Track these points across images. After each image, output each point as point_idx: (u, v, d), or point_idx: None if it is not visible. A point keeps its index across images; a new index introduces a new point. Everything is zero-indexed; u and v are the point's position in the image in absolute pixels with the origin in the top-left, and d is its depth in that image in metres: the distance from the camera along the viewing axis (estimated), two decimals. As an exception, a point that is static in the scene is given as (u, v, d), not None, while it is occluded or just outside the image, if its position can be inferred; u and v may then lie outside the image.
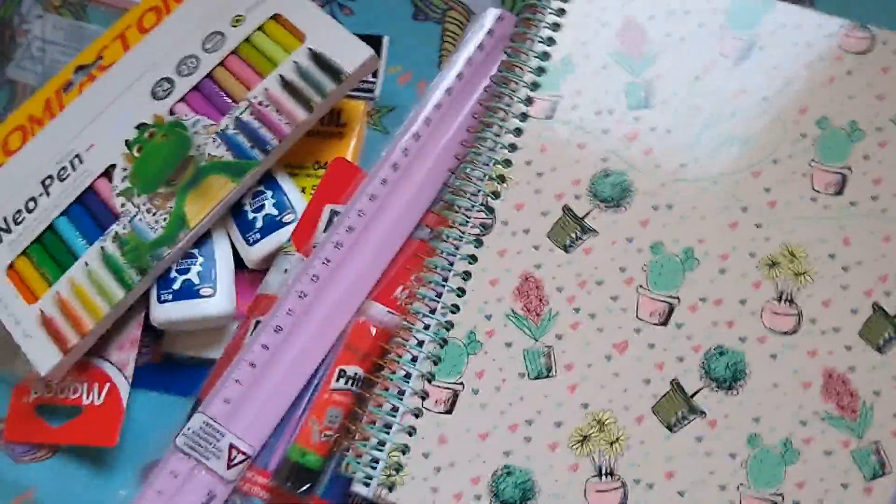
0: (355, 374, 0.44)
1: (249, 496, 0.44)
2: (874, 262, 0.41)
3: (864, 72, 0.44)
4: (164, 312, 0.46)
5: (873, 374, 0.40)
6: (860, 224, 0.42)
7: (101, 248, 0.46)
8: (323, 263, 0.46)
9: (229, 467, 0.43)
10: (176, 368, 0.48)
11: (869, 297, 0.41)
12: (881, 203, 0.42)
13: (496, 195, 0.43)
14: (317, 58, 0.47)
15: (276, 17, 0.49)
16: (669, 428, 0.40)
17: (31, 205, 0.48)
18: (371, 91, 0.51)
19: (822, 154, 0.43)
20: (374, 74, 0.52)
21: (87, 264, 0.46)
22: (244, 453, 0.43)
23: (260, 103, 0.47)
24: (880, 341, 0.40)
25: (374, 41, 0.51)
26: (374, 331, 0.45)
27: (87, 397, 0.46)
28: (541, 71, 0.45)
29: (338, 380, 0.44)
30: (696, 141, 0.43)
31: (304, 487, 0.43)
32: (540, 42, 0.45)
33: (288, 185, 0.48)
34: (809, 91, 0.44)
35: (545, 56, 0.45)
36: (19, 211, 0.48)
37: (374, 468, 0.41)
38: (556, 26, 0.46)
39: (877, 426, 0.39)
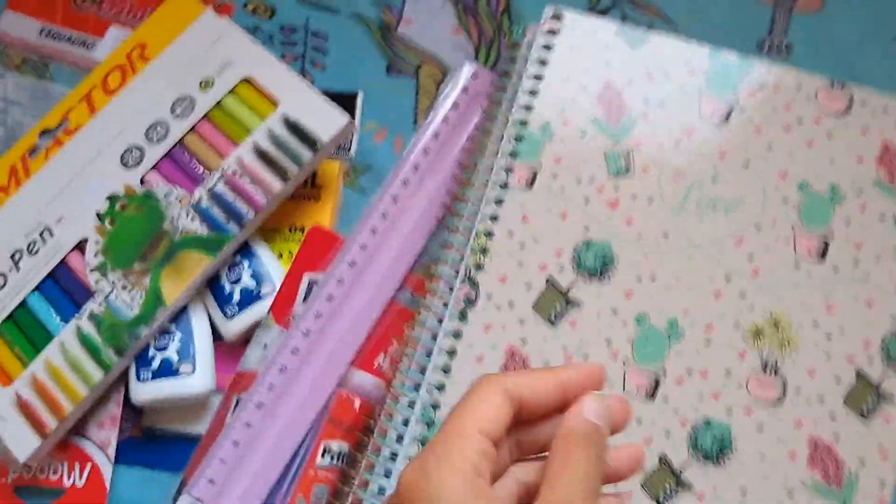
0: (340, 450, 0.44)
1: (238, 577, 0.44)
2: (857, 329, 0.42)
3: (843, 134, 0.44)
4: (145, 392, 0.45)
5: (858, 443, 0.40)
6: (843, 290, 0.42)
7: (77, 327, 0.45)
8: (303, 335, 0.45)
9: (217, 549, 0.43)
10: (159, 443, 0.47)
11: (851, 364, 0.41)
12: (863, 268, 0.42)
13: (479, 267, 0.43)
14: (292, 126, 0.46)
15: (247, 81, 0.48)
16: (658, 503, 0.40)
17: (1, 281, 0.47)
18: (347, 150, 0.50)
19: (804, 219, 0.43)
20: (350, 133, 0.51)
21: (63, 344, 0.45)
22: (232, 535, 0.43)
23: (234, 173, 0.46)
24: (864, 408, 0.41)
25: (348, 97, 0.51)
26: (357, 403, 0.45)
27: (69, 478, 0.46)
28: (519, 138, 0.44)
29: (323, 456, 0.44)
30: (679, 208, 0.43)
31: (294, 566, 0.43)
32: (518, 108, 0.45)
33: (265, 254, 0.47)
34: (790, 154, 0.44)
35: (523, 123, 0.45)
36: (-12, 287, 0.47)
37: (365, 549, 0.40)
38: (533, 92, 0.45)
39: (862, 494, 0.40)
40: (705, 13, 0.51)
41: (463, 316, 0.43)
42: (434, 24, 0.52)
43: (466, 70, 0.49)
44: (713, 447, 0.41)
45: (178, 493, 0.44)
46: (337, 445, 0.44)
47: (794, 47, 0.50)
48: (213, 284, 0.47)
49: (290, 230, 0.49)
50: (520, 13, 0.52)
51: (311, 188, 0.49)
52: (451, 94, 0.49)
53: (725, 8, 0.51)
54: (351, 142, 0.51)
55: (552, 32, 0.46)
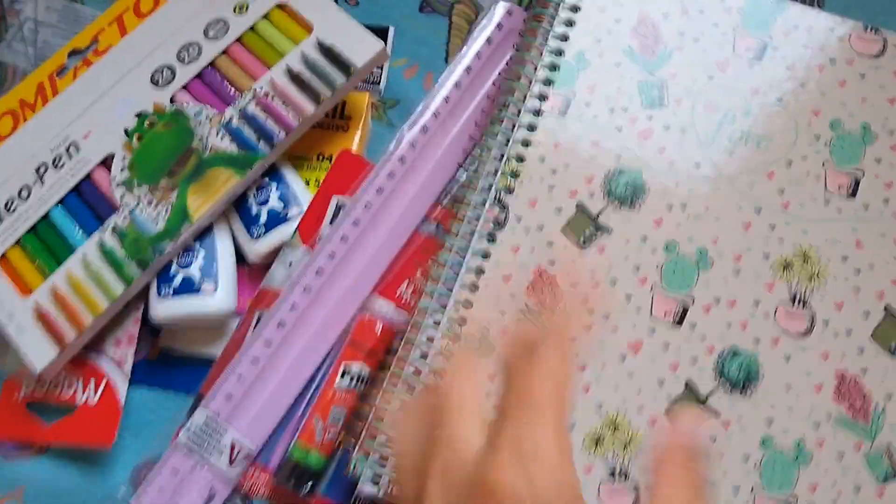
0: (360, 371, 0.45)
1: (250, 495, 0.44)
2: (886, 266, 0.43)
3: (876, 75, 0.45)
4: (165, 309, 0.45)
5: (885, 377, 0.41)
6: (872, 227, 0.43)
7: (100, 240, 0.46)
8: (328, 257, 0.46)
9: (231, 464, 0.43)
10: (174, 365, 0.48)
11: (881, 300, 0.42)
12: (893, 206, 0.43)
13: (509, 190, 0.44)
14: (326, 50, 0.47)
15: (281, 6, 0.49)
16: (683, 429, 0.41)
17: (25, 193, 0.48)
18: (377, 83, 0.51)
19: (835, 156, 0.44)
20: (380, 67, 0.52)
21: (85, 257, 0.46)
22: (246, 451, 0.44)
23: (266, 95, 0.47)
24: (892, 344, 0.42)
25: (379, 32, 0.52)
26: (379, 327, 0.46)
27: (83, 395, 0.46)
28: (554, 67, 0.46)
29: (342, 377, 0.45)
30: (711, 140, 0.44)
31: (307, 487, 0.43)
32: (553, 38, 0.46)
33: (293, 178, 0.48)
34: (822, 93, 0.45)
35: (558, 52, 0.46)
36: (11, 199, 0.48)
37: (384, 466, 0.41)
38: (569, 23, 0.46)
39: (888, 429, 0.40)
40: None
41: (491, 237, 0.43)
42: (468, -35, 0.53)
43: (501, 7, 0.50)
44: (740, 376, 0.41)
45: (194, 408, 0.45)
46: (357, 367, 0.45)
47: (826, 0, 0.52)
48: (239, 205, 0.48)
49: (318, 158, 0.50)
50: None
51: (339, 119, 0.50)
52: (485, 29, 0.50)
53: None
54: (381, 75, 0.52)
55: (590, -34, 0.47)
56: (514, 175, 0.44)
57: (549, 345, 0.27)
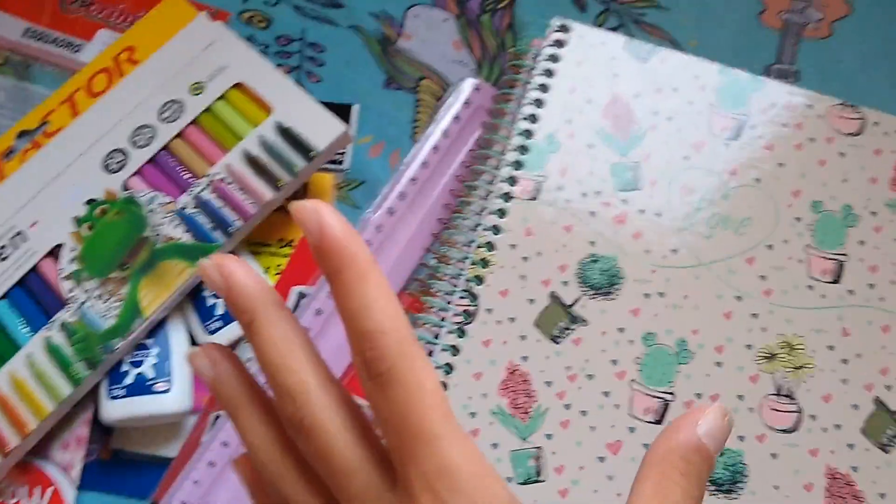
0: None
1: None
2: (874, 355, 0.41)
3: (856, 154, 0.44)
4: (116, 410, 0.43)
5: (878, 475, 0.39)
6: (859, 314, 0.42)
7: (47, 337, 0.43)
8: (290, 352, 0.44)
9: (187, 581, 0.41)
10: (127, 467, 0.45)
11: (870, 391, 0.40)
12: (878, 291, 0.42)
13: (480, 280, 0.42)
14: (285, 132, 0.46)
15: (239, 86, 0.47)
16: (667, 535, 0.38)
17: (-33, 287, 0.45)
18: (341, 163, 0.50)
19: (817, 240, 0.43)
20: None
21: (30, 356, 0.43)
22: (204, 565, 0.41)
23: (222, 180, 0.45)
24: (883, 439, 0.40)
25: (343, 109, 0.50)
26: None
27: (28, 503, 0.43)
28: (524, 149, 0.44)
29: (307, 481, 0.42)
30: (688, 224, 0.43)
31: None
32: (523, 118, 0.45)
33: (252, 265, 0.46)
34: (802, 174, 0.44)
35: (528, 133, 0.44)
36: (-47, 294, 0.45)
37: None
38: (539, 102, 0.45)
39: (882, 530, 0.39)
40: (713, 37, 0.51)
41: (461, 331, 0.41)
42: (435, 39, 0.52)
43: (469, 83, 0.49)
44: (725, 475, 0.39)
45: (147, 519, 0.42)
46: (321, 470, 0.42)
47: (802, 73, 0.51)
48: (195, 298, 0.45)
49: (280, 244, 0.48)
50: (524, 29, 0.52)
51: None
52: (453, 106, 0.49)
53: (733, 33, 0.52)
54: (345, 155, 0.50)
55: (559, 44, 0.46)
56: (485, 264, 0.42)
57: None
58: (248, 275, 0.26)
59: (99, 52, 0.51)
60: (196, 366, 0.28)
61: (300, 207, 0.25)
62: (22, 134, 0.49)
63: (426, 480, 0.24)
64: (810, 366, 0.41)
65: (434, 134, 0.48)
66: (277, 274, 0.46)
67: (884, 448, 0.40)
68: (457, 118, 0.49)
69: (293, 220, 0.26)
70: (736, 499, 0.39)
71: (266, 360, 0.26)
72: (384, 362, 0.24)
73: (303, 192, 0.48)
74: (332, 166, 0.50)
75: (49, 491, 0.44)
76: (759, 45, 0.51)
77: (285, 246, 0.48)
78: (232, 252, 0.46)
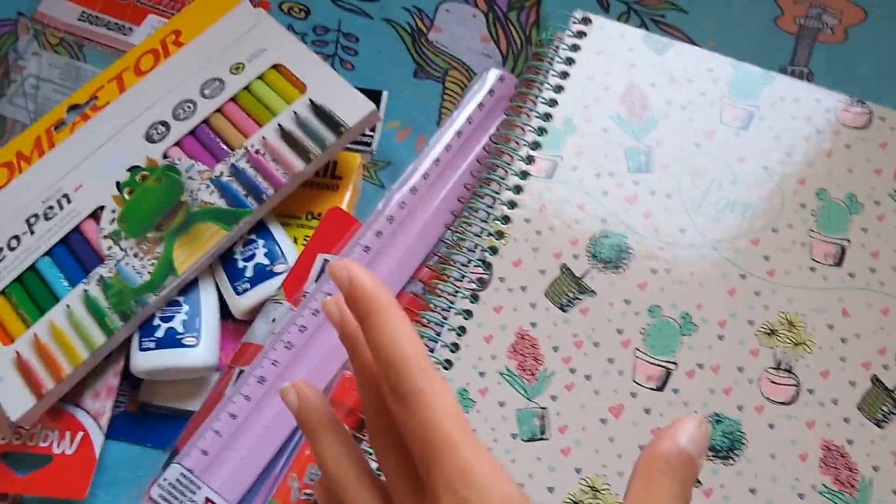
0: (341, 431, 0.45)
1: (223, 556, 0.44)
2: (872, 335, 0.43)
3: (862, 146, 0.46)
4: (146, 361, 0.46)
5: (872, 449, 0.41)
6: (859, 296, 0.44)
7: (84, 290, 0.47)
8: (313, 314, 0.47)
9: (204, 524, 0.43)
10: (152, 419, 0.48)
11: (867, 369, 0.42)
12: (879, 276, 0.44)
13: (494, 251, 0.45)
14: (317, 109, 0.49)
15: (276, 67, 0.51)
16: (664, 497, 0.40)
17: (14, 243, 0.49)
18: (369, 144, 0.53)
19: (821, 225, 0.45)
20: (373, 128, 0.53)
21: (68, 307, 0.46)
22: (220, 510, 0.43)
23: (257, 152, 0.49)
24: (879, 415, 0.42)
25: (373, 95, 0.54)
26: (361, 387, 0.46)
27: (58, 446, 0.46)
28: (542, 131, 0.47)
29: (322, 436, 0.45)
30: (697, 206, 0.45)
31: (281, 549, 0.43)
32: (543, 102, 0.48)
33: (280, 235, 0.49)
34: (808, 163, 0.46)
35: (547, 117, 0.47)
36: (0, 249, 0.49)
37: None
38: (559, 88, 0.48)
39: (876, 503, 0.40)
40: (730, 38, 0.54)
41: (475, 297, 0.44)
42: (464, 33, 0.55)
43: (494, 73, 0.52)
44: (723, 442, 0.41)
45: (168, 463, 0.45)
46: (336, 426, 0.45)
47: (815, 75, 0.53)
48: (226, 260, 0.49)
49: (308, 217, 0.51)
50: (549, 23, 0.55)
51: (330, 178, 0.52)
52: (477, 94, 0.52)
53: (750, 34, 0.54)
54: (373, 136, 0.53)
55: (580, 34, 0.49)
56: (500, 236, 0.45)
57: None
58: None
59: (147, 35, 0.55)
60: (286, 401, 0.34)
61: (334, 266, 0.31)
62: (72, 108, 0.53)
63: (447, 483, 0.28)
64: (810, 343, 0.43)
65: (458, 119, 0.51)
66: (304, 243, 0.49)
67: (879, 423, 0.41)
68: (480, 105, 0.52)
69: (329, 273, 0.31)
70: (732, 465, 0.41)
71: (376, 346, 0.30)
72: (408, 384, 0.29)
73: (332, 169, 0.52)
74: (361, 147, 0.53)
75: (79, 436, 0.46)
76: (774, 47, 0.54)
77: (313, 219, 0.51)
78: (262, 221, 0.49)
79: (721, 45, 0.54)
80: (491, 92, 0.52)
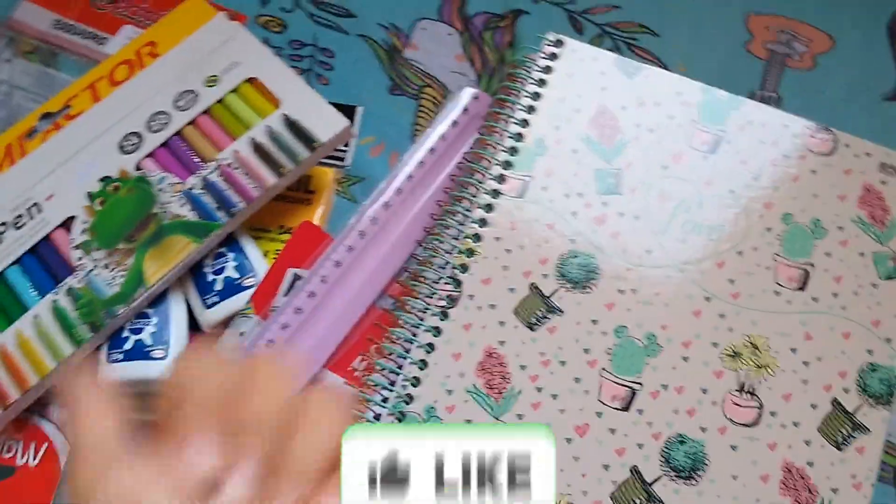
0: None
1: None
2: (834, 359, 0.44)
3: (827, 172, 0.47)
4: (113, 372, 0.46)
5: (832, 471, 0.42)
6: (821, 320, 0.44)
7: (54, 301, 0.47)
8: (281, 328, 0.47)
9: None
10: (119, 431, 0.48)
11: (828, 392, 0.43)
12: (841, 300, 0.45)
13: (464, 269, 0.45)
14: (291, 124, 0.49)
15: (251, 81, 0.51)
16: (627, 516, 0.41)
17: (-18, 252, 0.49)
18: (342, 159, 0.53)
19: (786, 249, 0.46)
20: (347, 144, 0.54)
21: (36, 317, 0.46)
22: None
23: (229, 165, 0.49)
24: (838, 438, 0.42)
25: (347, 110, 0.54)
26: (329, 402, 0.46)
27: (22, 457, 0.46)
28: (514, 151, 0.48)
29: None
30: (664, 228, 0.46)
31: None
32: (515, 122, 0.48)
33: (251, 249, 0.49)
34: (775, 187, 0.47)
35: (519, 136, 0.48)
36: (-32, 258, 0.49)
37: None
38: (531, 109, 0.49)
39: (834, 524, 0.41)
40: (701, 61, 0.55)
41: (444, 314, 0.44)
42: (439, 51, 0.56)
43: (468, 92, 0.53)
44: (686, 462, 0.42)
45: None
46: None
47: (783, 100, 0.54)
48: (195, 273, 0.49)
49: (279, 230, 0.51)
50: (523, 45, 0.56)
51: (303, 192, 0.52)
52: (452, 112, 0.52)
53: (721, 58, 0.55)
54: (347, 151, 0.54)
55: (553, 56, 0.50)
56: (470, 254, 0.46)
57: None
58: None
59: (122, 45, 0.55)
60: None
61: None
62: (45, 116, 0.53)
63: None
64: (773, 365, 0.44)
65: (432, 136, 0.52)
66: (275, 257, 0.50)
67: (838, 446, 0.42)
68: (454, 123, 0.52)
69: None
70: (694, 485, 0.42)
71: None
72: None
73: (305, 183, 0.52)
74: (335, 162, 0.53)
75: (44, 447, 0.46)
76: (744, 72, 0.55)
77: (284, 232, 0.51)
78: (232, 235, 0.49)
79: (692, 69, 0.55)
80: (465, 110, 0.53)
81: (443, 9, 0.58)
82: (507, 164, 0.47)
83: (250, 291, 0.48)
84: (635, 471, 0.42)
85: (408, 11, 0.58)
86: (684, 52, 0.55)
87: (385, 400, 0.43)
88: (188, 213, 0.48)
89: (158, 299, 0.48)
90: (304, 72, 0.56)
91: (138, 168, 0.50)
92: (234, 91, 0.51)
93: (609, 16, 0.57)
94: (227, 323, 0.48)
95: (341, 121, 0.49)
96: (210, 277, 0.48)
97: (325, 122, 0.49)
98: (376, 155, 0.54)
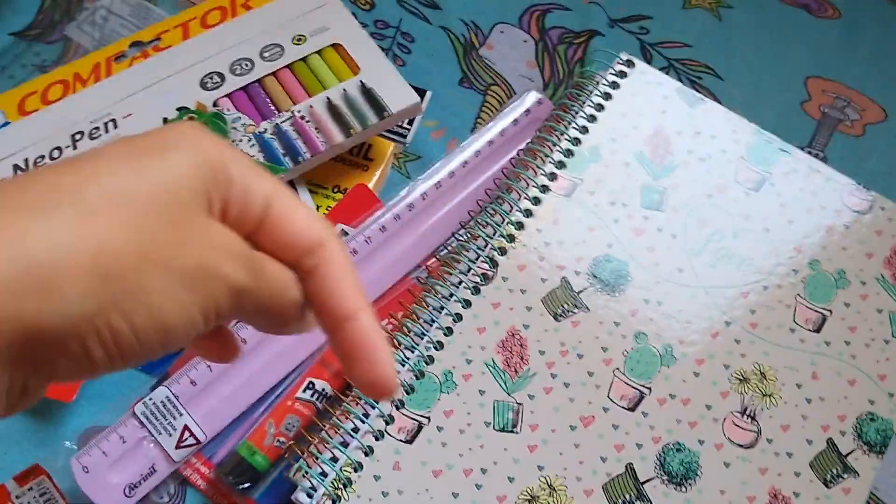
0: (323, 388, 0.48)
1: (188, 481, 0.46)
2: (836, 402, 0.46)
3: (859, 229, 0.50)
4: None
5: (815, 504, 0.44)
6: (830, 363, 0.47)
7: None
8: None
9: (178, 447, 0.46)
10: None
11: (825, 431, 0.45)
12: (852, 349, 0.47)
13: (503, 252, 0.48)
14: (366, 91, 0.52)
15: (335, 46, 0.55)
16: (615, 508, 0.43)
17: (56, 153, 0.52)
18: (404, 136, 0.56)
19: (808, 292, 0.48)
20: (410, 122, 0.57)
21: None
22: (196, 438, 0.46)
23: (302, 117, 0.52)
24: (828, 476, 0.45)
25: (417, 92, 0.57)
26: (352, 354, 0.49)
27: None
28: (569, 153, 0.51)
29: (304, 390, 0.47)
30: (698, 251, 0.49)
31: (244, 485, 0.45)
32: (574, 128, 0.51)
33: (306, 200, 0.52)
34: (807, 234, 0.50)
35: (576, 141, 0.51)
36: (42, 157, 0.52)
37: (323, 480, 0.43)
38: (592, 118, 0.52)
39: (809, 554, 0.43)
40: (757, 111, 0.58)
41: (476, 290, 0.47)
42: (513, 55, 0.59)
43: (533, 95, 0.56)
44: (679, 469, 0.44)
45: (157, 385, 0.47)
46: (321, 384, 0.48)
47: (828, 161, 0.57)
48: (249, 211, 0.52)
49: (334, 189, 0.54)
50: (594, 60, 0.59)
51: (363, 158, 0.55)
52: (514, 111, 0.55)
53: (777, 111, 0.58)
54: (409, 130, 0.57)
55: (622, 74, 0.53)
56: (511, 239, 0.48)
57: None
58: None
59: (220, -7, 0.59)
60: None
61: None
62: (135, 44, 0.56)
63: None
64: (777, 396, 0.46)
65: (492, 130, 0.55)
66: (325, 213, 0.53)
67: (826, 483, 0.44)
68: (515, 122, 0.55)
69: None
70: (684, 492, 0.44)
71: None
72: None
73: (366, 150, 0.55)
74: (396, 137, 0.57)
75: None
76: (796, 128, 0.58)
77: (339, 192, 0.54)
78: (292, 183, 0.52)
79: (748, 116, 0.58)
80: (527, 111, 0.56)
81: (523, 17, 0.61)
82: (561, 164, 0.50)
83: (298, 237, 0.51)
84: (630, 468, 0.44)
85: (490, 13, 0.61)
86: (743, 100, 0.58)
87: (407, 358, 0.46)
88: (256, 154, 0.51)
89: (211, 228, 0.51)
90: (383, 50, 0.59)
91: (215, 105, 0.53)
92: (318, 53, 0.55)
93: (679, 51, 0.60)
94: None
95: (413, 96, 0.53)
96: (263, 217, 0.51)
97: (397, 96, 0.53)
98: (436, 138, 0.57)
